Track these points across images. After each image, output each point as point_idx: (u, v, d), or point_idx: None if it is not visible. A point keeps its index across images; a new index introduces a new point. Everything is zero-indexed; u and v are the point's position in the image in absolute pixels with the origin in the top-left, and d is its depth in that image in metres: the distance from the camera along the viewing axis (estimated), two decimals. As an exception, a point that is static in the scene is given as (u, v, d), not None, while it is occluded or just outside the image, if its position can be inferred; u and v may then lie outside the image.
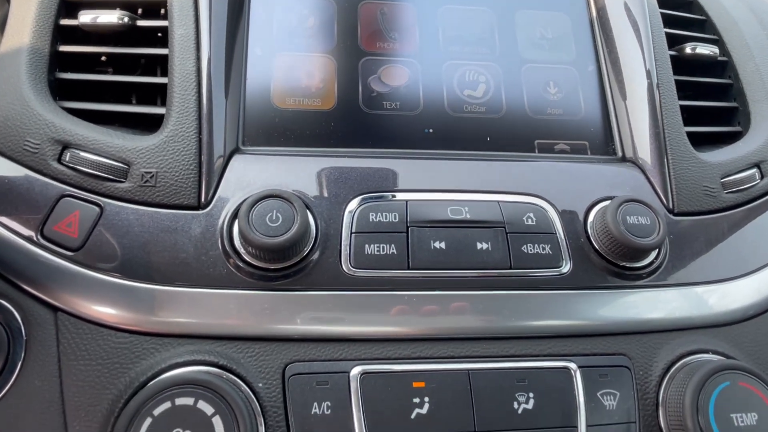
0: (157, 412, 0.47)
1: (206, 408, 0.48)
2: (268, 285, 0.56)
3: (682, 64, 0.76)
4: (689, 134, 0.70)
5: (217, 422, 0.47)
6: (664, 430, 0.56)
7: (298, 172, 0.61)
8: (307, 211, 0.57)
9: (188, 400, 0.48)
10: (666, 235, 0.59)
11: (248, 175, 0.60)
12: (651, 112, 0.69)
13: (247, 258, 0.56)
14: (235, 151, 0.62)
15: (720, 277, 0.64)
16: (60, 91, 0.65)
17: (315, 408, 0.52)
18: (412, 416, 0.52)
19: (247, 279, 0.56)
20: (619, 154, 0.71)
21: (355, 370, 0.54)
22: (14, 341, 0.54)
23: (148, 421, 0.47)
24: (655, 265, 0.62)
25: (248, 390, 0.51)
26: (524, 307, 0.59)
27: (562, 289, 0.59)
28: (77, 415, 0.51)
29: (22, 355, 0.54)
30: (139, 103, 0.67)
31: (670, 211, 0.66)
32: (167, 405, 0.48)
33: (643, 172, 0.68)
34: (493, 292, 0.59)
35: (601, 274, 0.61)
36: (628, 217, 0.60)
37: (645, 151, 0.69)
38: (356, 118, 0.68)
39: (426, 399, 0.53)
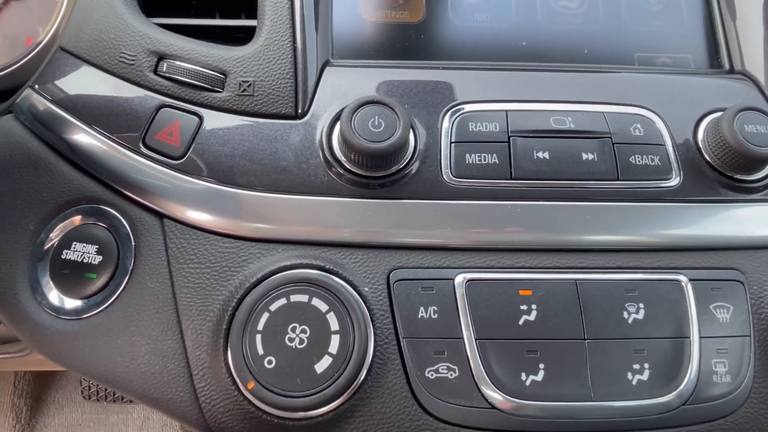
0: (273, 307, 0.48)
1: (320, 305, 0.48)
2: (369, 193, 0.55)
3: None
4: None
5: (332, 318, 0.48)
6: None
7: (393, 83, 0.59)
8: (409, 118, 0.55)
9: (303, 297, 0.48)
10: None
11: (343, 86, 0.59)
12: (765, 18, 0.64)
13: (348, 165, 0.55)
14: (326, 63, 0.61)
15: None
16: (147, 8, 0.64)
17: (422, 312, 0.51)
18: (521, 322, 0.52)
19: (348, 187, 0.55)
20: (726, 66, 0.66)
21: (460, 278, 0.53)
22: (123, 247, 0.56)
23: (266, 315, 0.48)
24: None
25: (355, 293, 0.51)
26: (632, 219, 0.56)
27: (671, 202, 0.57)
28: (190, 314, 0.52)
29: (132, 260, 0.55)
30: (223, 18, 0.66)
31: None
32: (283, 301, 0.48)
33: (756, 84, 0.63)
34: (600, 203, 0.56)
35: (714, 186, 0.58)
36: (745, 126, 0.56)
37: (756, 61, 0.64)
38: (446, 30, 0.65)
39: (533, 306, 0.52)
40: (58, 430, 1.93)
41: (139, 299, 0.53)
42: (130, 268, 0.55)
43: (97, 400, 1.89)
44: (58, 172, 0.56)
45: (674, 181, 0.57)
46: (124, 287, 0.54)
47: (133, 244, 0.55)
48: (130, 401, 1.89)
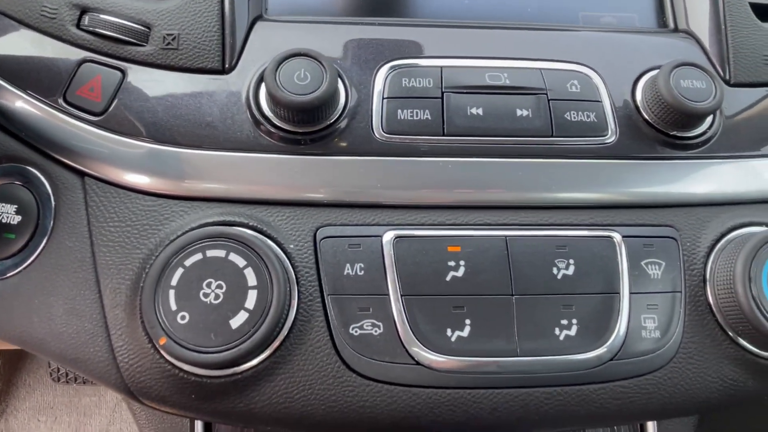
0: (188, 262, 0.47)
1: (238, 260, 0.47)
2: (297, 149, 0.53)
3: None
4: (752, 5, 0.64)
5: (249, 274, 0.46)
6: (713, 305, 0.54)
7: (325, 39, 0.58)
8: (337, 72, 0.54)
9: (220, 252, 0.47)
10: (722, 99, 0.55)
11: (273, 41, 0.57)
12: None
13: (275, 121, 0.53)
14: (258, 18, 0.59)
15: None
16: None
17: (348, 269, 0.50)
18: (448, 278, 0.51)
19: (276, 143, 0.53)
20: (671, 25, 0.65)
21: (389, 235, 0.52)
22: (43, 207, 0.54)
23: (180, 271, 0.46)
24: (707, 135, 0.58)
25: (280, 251, 0.50)
26: (566, 176, 0.55)
27: (607, 159, 0.56)
28: (108, 273, 0.50)
29: (52, 219, 0.53)
30: None
31: (727, 82, 0.61)
32: (198, 256, 0.47)
33: (698, 42, 0.62)
34: (534, 160, 0.55)
35: (650, 143, 0.57)
36: (681, 81, 0.55)
37: (701, 20, 0.63)
38: None
39: (461, 263, 0.51)
40: (29, 414, 1.90)
41: (58, 259, 0.52)
42: (50, 227, 0.53)
43: (66, 382, 1.87)
44: None
45: (610, 138, 0.57)
46: (44, 247, 0.52)
47: (54, 203, 0.53)
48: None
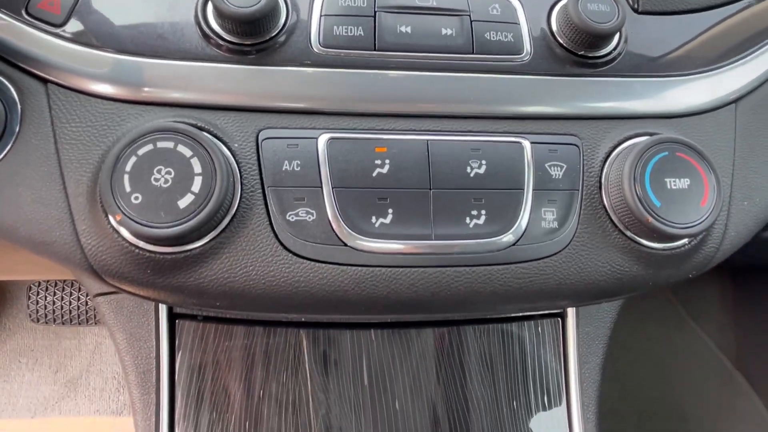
0: (140, 152, 0.53)
1: (185, 151, 0.53)
2: (242, 59, 0.59)
3: None
4: None
5: (195, 162, 0.53)
6: (606, 204, 0.62)
7: None
8: None
9: (169, 144, 0.53)
10: (623, 22, 0.61)
11: None
12: None
13: (221, 33, 0.59)
14: None
15: (677, 72, 0.67)
16: None
17: (286, 165, 0.57)
18: (374, 174, 0.58)
19: (222, 54, 0.59)
20: None
21: (323, 137, 0.59)
22: (10, 110, 0.59)
23: (133, 159, 0.53)
24: (612, 56, 0.65)
25: (224, 146, 0.56)
26: (483, 89, 0.62)
27: (521, 74, 0.63)
28: (71, 167, 0.56)
29: (19, 122, 0.59)
30: None
31: (635, 10, 0.68)
32: (149, 147, 0.53)
33: None
34: (455, 74, 0.62)
35: (560, 63, 0.64)
36: (588, 5, 0.62)
37: None
38: None
39: (387, 161, 0.58)
40: (10, 356, 1.96)
41: (25, 156, 0.57)
42: (17, 129, 0.58)
43: (45, 323, 1.93)
44: None
45: (525, 57, 0.63)
46: (11, 147, 0.58)
47: (20, 107, 0.59)
48: (79, 324, 1.93)
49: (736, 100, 0.68)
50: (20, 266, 1.21)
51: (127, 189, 0.52)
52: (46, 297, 1.90)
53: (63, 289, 1.91)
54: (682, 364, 1.94)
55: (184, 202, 0.52)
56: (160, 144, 0.53)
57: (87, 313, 1.91)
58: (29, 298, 1.89)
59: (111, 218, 0.53)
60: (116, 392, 1.93)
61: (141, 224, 0.51)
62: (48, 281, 1.91)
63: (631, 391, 1.87)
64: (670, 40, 0.68)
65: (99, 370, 1.94)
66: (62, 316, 1.91)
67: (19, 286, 2.02)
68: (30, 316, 1.90)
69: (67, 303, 1.91)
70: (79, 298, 1.92)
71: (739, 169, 0.67)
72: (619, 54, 0.65)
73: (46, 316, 1.91)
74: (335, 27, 0.61)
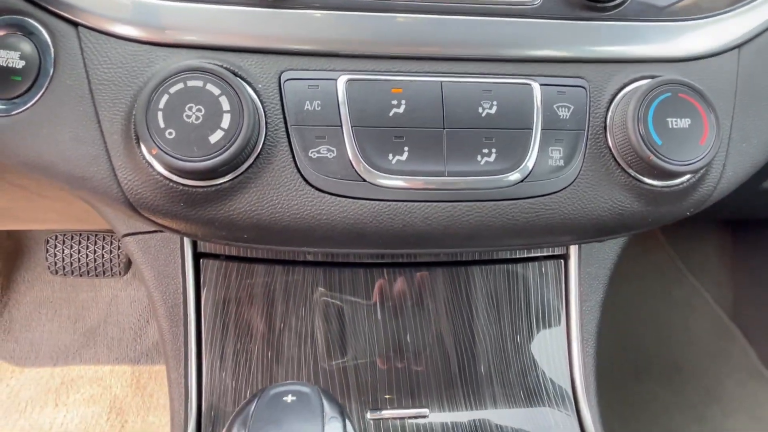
0: (172, 90, 0.56)
1: (214, 89, 0.56)
2: (263, 2, 0.62)
3: None
4: None
5: (224, 100, 0.56)
6: (610, 144, 0.65)
7: None
8: None
9: (198, 83, 0.56)
10: None
11: None
12: None
13: None
14: None
15: (682, 17, 0.69)
16: None
17: (308, 105, 0.60)
18: (390, 114, 0.61)
19: None
20: None
21: (342, 78, 0.62)
22: (44, 53, 0.62)
23: (165, 96, 0.56)
24: (618, 1, 0.67)
25: (249, 87, 0.60)
26: (496, 33, 0.65)
27: (532, 18, 0.65)
28: (105, 106, 0.60)
29: (53, 63, 0.62)
30: None
31: None
32: (180, 86, 0.56)
33: None
34: (469, 17, 0.64)
35: (571, 6, 0.66)
36: None
37: None
38: None
39: (403, 101, 0.62)
40: (30, 307, 2.04)
41: (61, 96, 0.61)
42: (51, 71, 0.62)
43: (64, 275, 1.99)
44: None
45: (537, 1, 0.65)
46: (47, 87, 0.61)
47: (53, 50, 0.62)
48: (96, 275, 2.00)
49: (739, 46, 0.70)
50: (43, 215, 1.26)
51: (161, 125, 0.55)
52: (63, 250, 1.96)
53: (79, 242, 1.96)
54: (679, 317, 2.00)
55: (214, 138, 0.56)
56: (190, 83, 0.56)
57: (104, 265, 1.98)
58: (47, 250, 1.95)
59: (146, 152, 0.56)
60: (133, 342, 2.01)
61: (175, 158, 0.55)
62: (65, 234, 1.97)
63: (630, 343, 1.94)
64: (677, -14, 0.70)
65: (116, 321, 2.02)
66: (79, 269, 1.97)
67: (36, 240, 2.08)
68: (49, 268, 1.96)
69: (84, 255, 1.97)
70: (95, 251, 1.98)
71: (739, 111, 0.70)
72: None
73: (64, 268, 1.97)
74: None
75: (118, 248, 1.96)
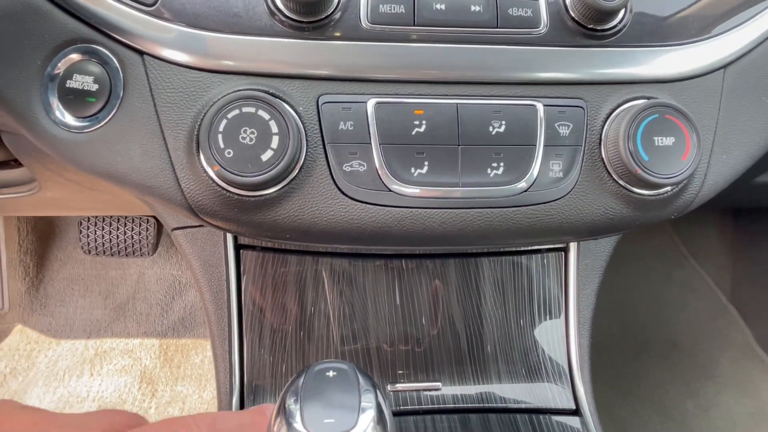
0: (230, 115, 0.66)
1: (264, 115, 0.66)
2: (303, 35, 0.71)
3: None
4: None
5: (273, 124, 0.66)
6: (604, 158, 0.75)
7: None
8: None
9: (251, 109, 0.66)
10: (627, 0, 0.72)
11: None
12: None
13: (286, 12, 0.70)
14: None
15: (673, 41, 0.77)
16: None
17: (342, 125, 0.70)
18: (413, 133, 0.71)
19: (286, 30, 0.71)
20: None
21: (372, 101, 0.71)
22: (114, 78, 0.72)
23: (224, 121, 0.66)
24: (617, 29, 0.75)
25: (291, 109, 0.70)
26: (505, 59, 0.74)
27: (538, 46, 0.74)
28: (169, 125, 0.70)
29: (122, 87, 0.72)
30: None
31: None
32: (237, 111, 0.66)
33: None
34: (482, 46, 0.73)
35: (572, 34, 0.75)
36: None
37: None
38: None
39: (423, 122, 0.71)
40: (63, 283, 2.17)
41: (131, 116, 0.71)
42: (121, 93, 0.72)
43: (96, 254, 2.12)
44: (55, 18, 0.71)
45: (542, 30, 0.74)
46: (118, 107, 0.71)
47: (122, 74, 0.71)
48: (126, 255, 2.12)
49: (725, 66, 0.79)
50: (90, 204, 1.37)
51: (222, 145, 0.66)
52: (95, 231, 2.08)
53: (110, 224, 2.09)
54: (678, 297, 2.10)
55: (265, 156, 0.66)
56: (245, 109, 0.66)
57: (133, 246, 2.10)
58: (80, 231, 2.08)
59: (208, 168, 0.67)
60: (160, 317, 2.15)
61: (234, 173, 0.65)
62: (96, 217, 2.09)
63: (629, 320, 2.05)
64: (668, 12, 0.78)
65: (144, 297, 2.16)
66: (110, 248, 2.10)
67: (67, 221, 2.21)
68: (82, 248, 2.09)
69: (115, 237, 2.09)
70: (125, 232, 2.10)
71: (722, 126, 0.79)
72: (623, 27, 0.75)
73: (96, 248, 2.10)
74: (380, 5, 0.72)
75: (147, 230, 2.08)
